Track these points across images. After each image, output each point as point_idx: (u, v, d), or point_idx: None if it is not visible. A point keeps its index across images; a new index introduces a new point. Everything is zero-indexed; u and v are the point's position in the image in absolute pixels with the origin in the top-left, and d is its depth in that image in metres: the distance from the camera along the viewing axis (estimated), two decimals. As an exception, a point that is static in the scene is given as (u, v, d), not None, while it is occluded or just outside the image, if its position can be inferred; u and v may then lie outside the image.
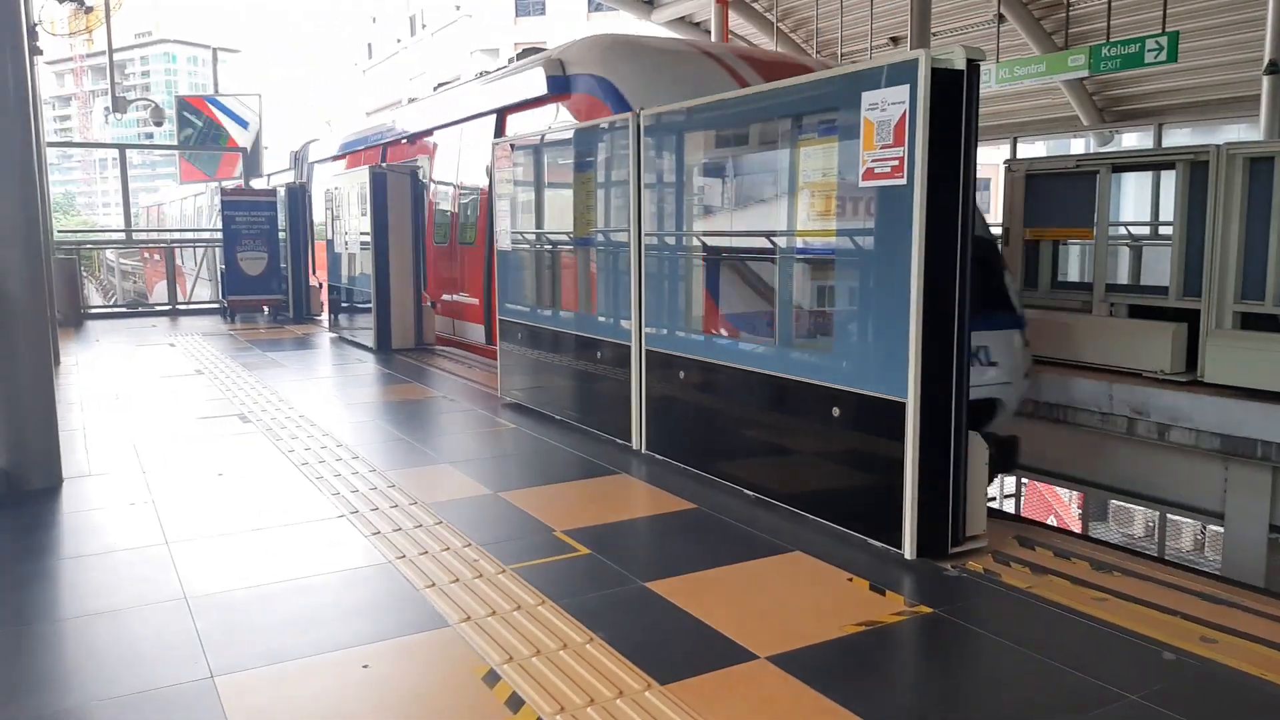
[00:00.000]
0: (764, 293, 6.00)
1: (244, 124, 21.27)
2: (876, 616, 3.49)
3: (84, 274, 14.76)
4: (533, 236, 7.52)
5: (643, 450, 6.00)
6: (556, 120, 8.92)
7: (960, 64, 3.86)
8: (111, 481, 5.44)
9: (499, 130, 9.86)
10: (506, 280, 7.89)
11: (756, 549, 4.25)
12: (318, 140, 17.31)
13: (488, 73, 11.32)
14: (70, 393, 8.23)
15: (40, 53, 11.22)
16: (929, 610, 3.57)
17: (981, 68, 3.99)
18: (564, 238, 7.14)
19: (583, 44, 9.01)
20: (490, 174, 8.74)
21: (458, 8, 37.30)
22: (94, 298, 15.15)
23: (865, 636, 3.34)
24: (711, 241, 5.95)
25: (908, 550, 4.05)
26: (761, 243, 5.62)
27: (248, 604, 3.67)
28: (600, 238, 6.50)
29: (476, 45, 35.92)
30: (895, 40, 17.47)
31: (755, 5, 18.76)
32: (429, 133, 12.11)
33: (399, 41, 42.56)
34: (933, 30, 15.38)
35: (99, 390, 8.40)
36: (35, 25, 11.57)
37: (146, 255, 18.51)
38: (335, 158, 15.36)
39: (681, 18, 20.03)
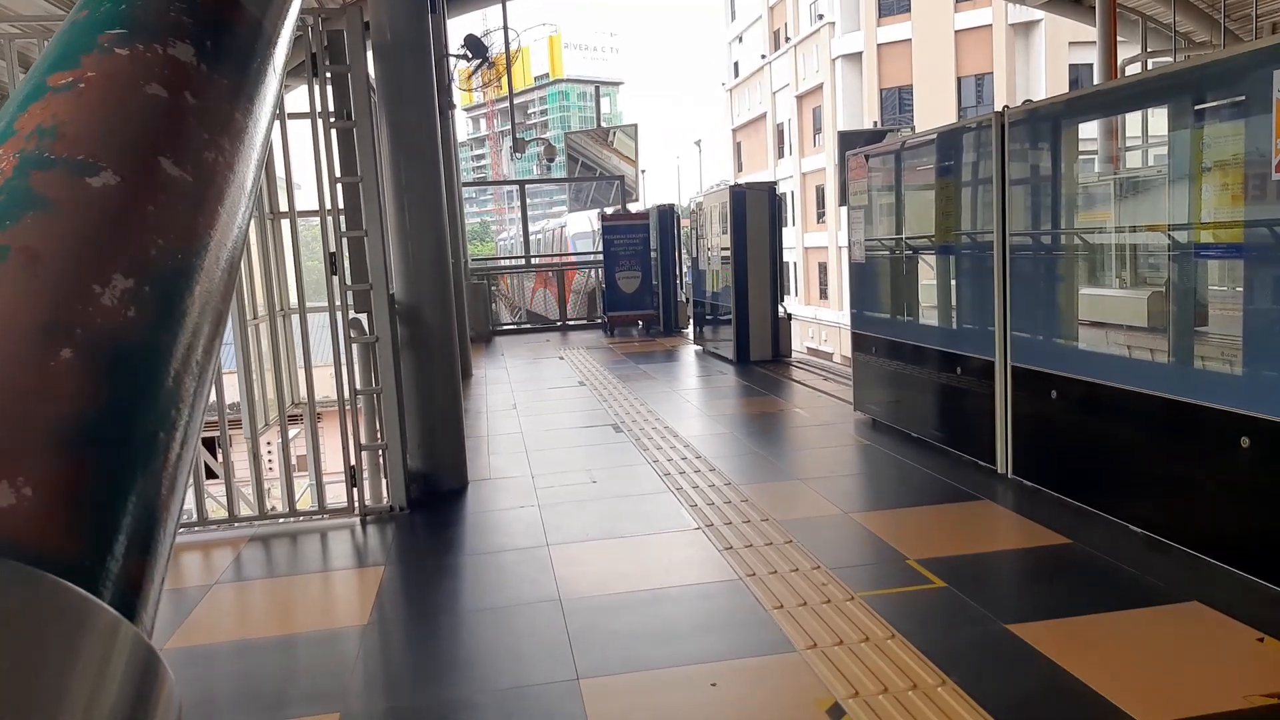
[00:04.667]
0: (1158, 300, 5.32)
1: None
2: (1296, 690, 2.94)
3: (494, 294, 16.84)
4: (888, 246, 7.31)
5: (1008, 474, 5.58)
6: None
7: None
8: (507, 485, 6.14)
9: None
10: (860, 292, 7.75)
11: (1144, 596, 3.77)
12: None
13: None
14: (478, 402, 9.41)
15: (454, 107, 12.96)
16: (1372, 689, 2.93)
17: None
18: (923, 245, 6.85)
19: None
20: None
21: (820, 16, 37.27)
22: (504, 315, 17.10)
23: (1277, 712, 2.83)
24: (1093, 240, 5.39)
25: (1344, 612, 3.37)
26: (1149, 241, 5.00)
27: (613, 609, 3.95)
28: (962, 243, 6.15)
29: (839, 51, 35.68)
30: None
31: (1149, -31, 16.66)
32: None
33: (763, 57, 43.46)
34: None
35: (501, 400, 9.52)
36: (450, 83, 13.41)
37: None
38: None
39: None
